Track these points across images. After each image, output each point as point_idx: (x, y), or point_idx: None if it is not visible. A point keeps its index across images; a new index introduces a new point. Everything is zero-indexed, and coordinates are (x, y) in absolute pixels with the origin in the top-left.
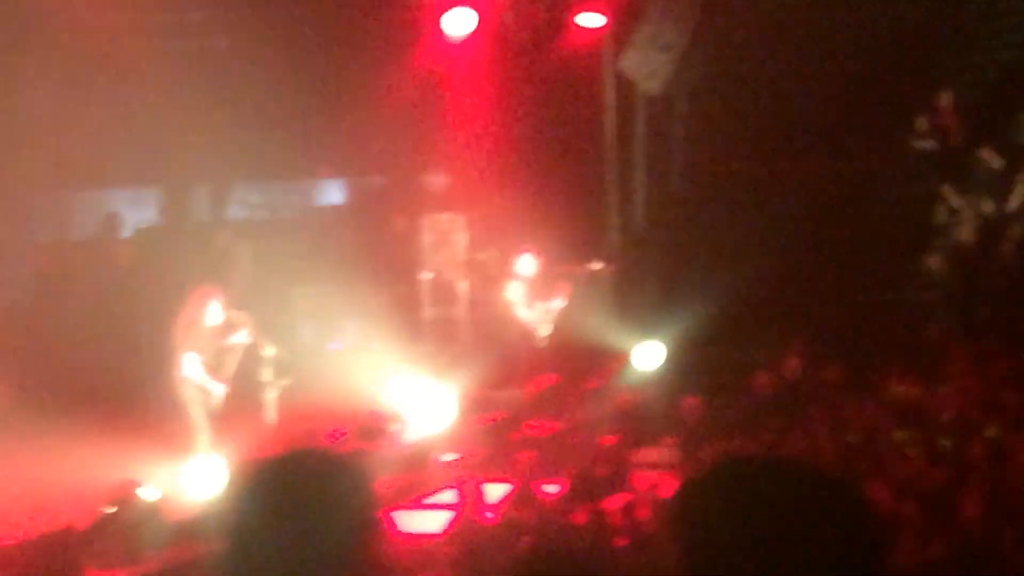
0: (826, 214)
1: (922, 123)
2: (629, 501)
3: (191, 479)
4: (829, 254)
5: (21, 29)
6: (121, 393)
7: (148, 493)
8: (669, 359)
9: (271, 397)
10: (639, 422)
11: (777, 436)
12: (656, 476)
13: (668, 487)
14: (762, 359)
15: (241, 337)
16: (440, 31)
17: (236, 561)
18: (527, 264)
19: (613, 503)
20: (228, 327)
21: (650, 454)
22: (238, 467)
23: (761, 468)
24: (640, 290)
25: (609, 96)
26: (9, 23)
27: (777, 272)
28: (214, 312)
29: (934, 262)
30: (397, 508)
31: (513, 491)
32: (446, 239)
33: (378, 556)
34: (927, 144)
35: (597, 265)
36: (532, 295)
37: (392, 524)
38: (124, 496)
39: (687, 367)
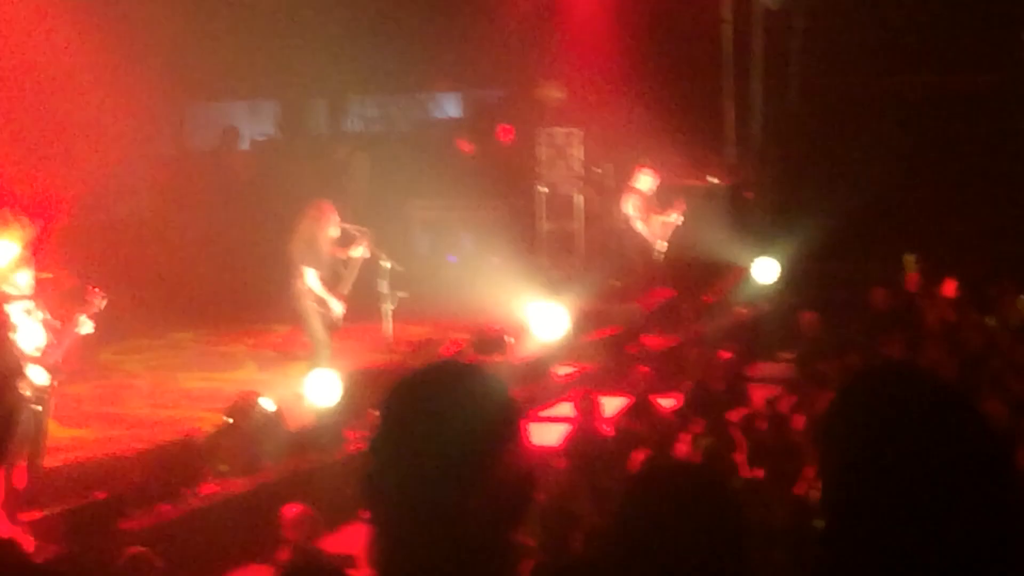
0: (946, 128)
1: None
2: (746, 415)
3: (309, 390)
4: (946, 169)
5: None
6: (240, 304)
7: (267, 404)
8: (785, 274)
9: (388, 309)
10: (755, 336)
11: (894, 351)
12: (773, 390)
13: (784, 401)
14: (878, 274)
15: (360, 252)
16: None
17: (382, 468)
18: (644, 178)
19: (730, 417)
20: (346, 240)
21: (767, 368)
22: (393, 383)
23: (906, 379)
24: (757, 205)
25: (726, 9)
26: None
27: (894, 187)
28: (332, 225)
29: None
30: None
31: (629, 404)
32: (563, 152)
33: (519, 465)
34: None
35: (714, 179)
36: (648, 209)
37: (527, 435)
38: (243, 406)
39: (803, 282)
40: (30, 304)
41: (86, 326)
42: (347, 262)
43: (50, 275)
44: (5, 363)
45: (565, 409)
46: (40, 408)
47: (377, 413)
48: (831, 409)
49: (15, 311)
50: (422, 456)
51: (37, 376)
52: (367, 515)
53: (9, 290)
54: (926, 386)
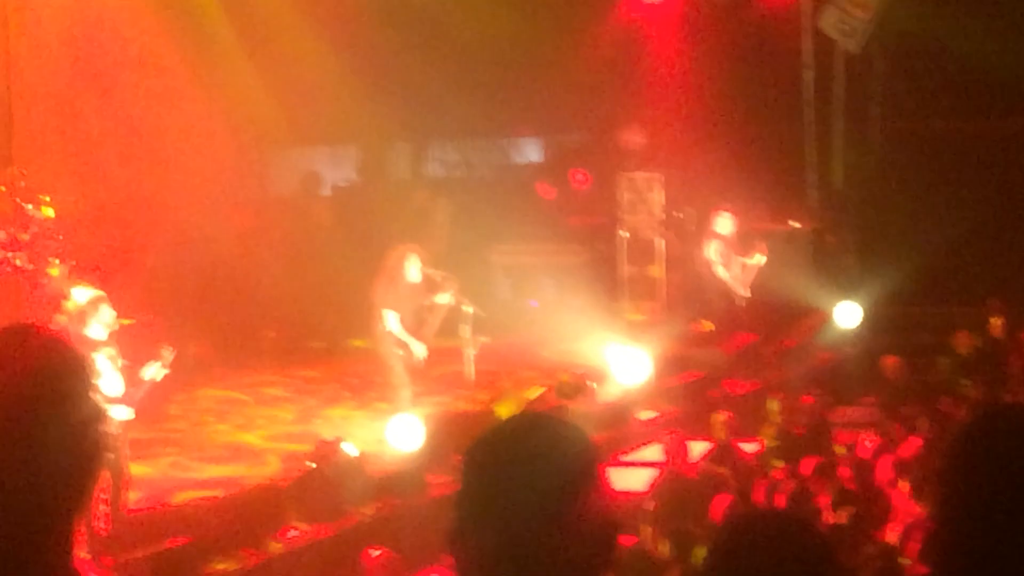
0: None
1: None
2: (829, 459)
3: (392, 435)
4: None
5: None
6: (322, 348)
7: (350, 449)
8: (868, 317)
9: (470, 354)
10: (838, 381)
11: (979, 395)
12: (856, 435)
13: (867, 446)
14: (962, 318)
15: (446, 299)
16: None
17: (467, 517)
18: (725, 222)
19: (812, 461)
20: (429, 286)
21: (849, 413)
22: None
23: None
24: (839, 248)
25: (807, 54)
26: None
27: (976, 230)
28: (414, 270)
29: None
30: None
31: (712, 449)
32: (643, 197)
33: (602, 511)
34: None
35: (795, 223)
36: (730, 253)
37: (608, 481)
38: (326, 452)
39: (886, 325)
40: (112, 351)
41: (158, 374)
42: (432, 308)
43: (132, 321)
44: (88, 408)
45: (652, 453)
46: (120, 452)
47: (459, 467)
48: (955, 450)
49: (99, 358)
50: (505, 508)
51: (120, 416)
52: (452, 565)
53: (93, 336)
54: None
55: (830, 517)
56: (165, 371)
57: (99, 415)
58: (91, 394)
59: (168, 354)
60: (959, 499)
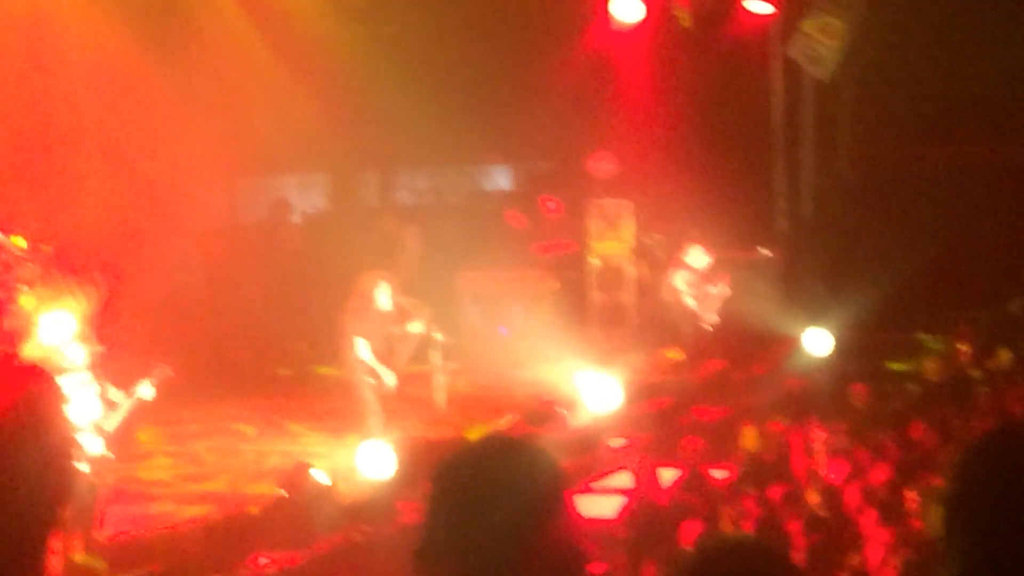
0: (995, 199)
1: None
2: (798, 486)
3: (362, 462)
4: (998, 240)
5: (190, 18)
6: (291, 376)
7: (320, 476)
8: (837, 344)
9: (440, 380)
10: (807, 407)
11: (948, 422)
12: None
13: (837, 472)
14: (931, 344)
15: (417, 327)
16: (608, 17)
17: (433, 542)
18: (696, 254)
19: (782, 488)
20: (400, 313)
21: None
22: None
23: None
24: (807, 275)
25: (776, 81)
26: (178, 13)
27: (944, 257)
28: (384, 297)
29: None
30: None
31: (682, 476)
32: (613, 224)
33: (567, 539)
34: None
35: (764, 250)
36: (699, 281)
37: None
38: (297, 479)
39: (855, 352)
40: (86, 376)
41: (148, 392)
42: (403, 337)
43: (103, 348)
44: (60, 433)
45: (621, 480)
46: (95, 480)
47: (426, 490)
48: (960, 472)
49: (69, 383)
50: (471, 531)
51: (93, 448)
52: None
53: (63, 362)
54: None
55: (800, 543)
56: (153, 391)
57: (71, 444)
58: (64, 424)
59: (160, 372)
60: (968, 518)
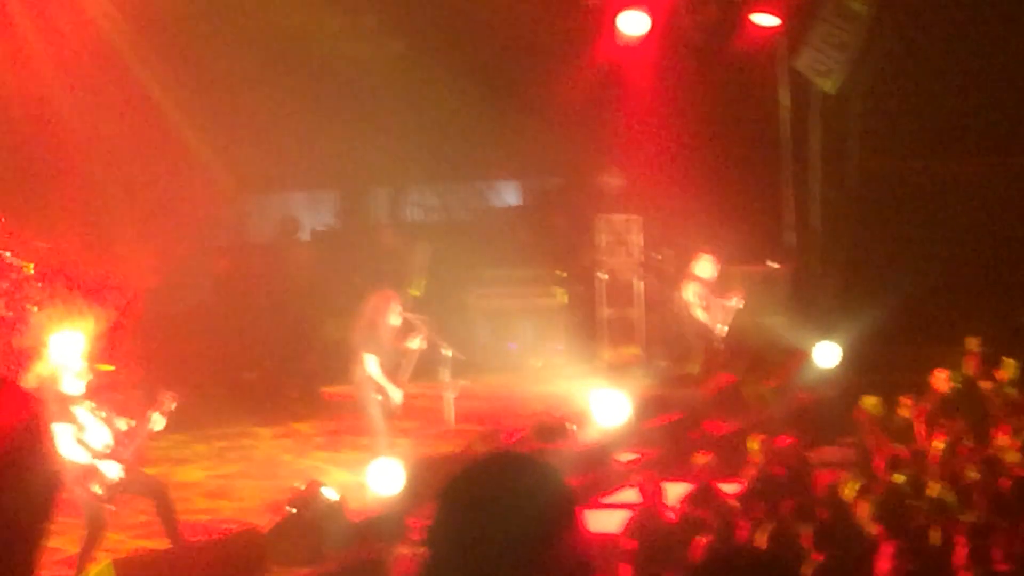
0: (1004, 211)
1: None
2: (809, 500)
3: (372, 479)
4: (1007, 252)
5: (197, 40)
6: (301, 394)
7: (329, 493)
8: (847, 358)
9: (450, 397)
10: (818, 421)
11: (958, 435)
12: (836, 475)
13: (847, 486)
14: (941, 357)
15: (417, 343)
16: (615, 32)
17: (442, 558)
18: (705, 266)
19: (792, 502)
20: (407, 330)
21: (829, 453)
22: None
23: None
24: (817, 289)
25: (784, 95)
26: (185, 33)
27: (955, 270)
28: (393, 314)
29: None
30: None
31: (692, 491)
32: (622, 239)
33: (576, 553)
34: None
35: (774, 264)
36: (709, 295)
37: (584, 523)
38: (306, 496)
39: (865, 366)
40: (91, 403)
41: (158, 423)
42: (405, 353)
43: (112, 367)
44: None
45: (628, 495)
46: (103, 507)
47: (435, 504)
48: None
49: (80, 412)
50: (478, 546)
51: (110, 472)
52: None
53: (69, 391)
54: None
55: (811, 557)
56: (163, 421)
57: (55, 475)
58: (50, 446)
59: (168, 401)
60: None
